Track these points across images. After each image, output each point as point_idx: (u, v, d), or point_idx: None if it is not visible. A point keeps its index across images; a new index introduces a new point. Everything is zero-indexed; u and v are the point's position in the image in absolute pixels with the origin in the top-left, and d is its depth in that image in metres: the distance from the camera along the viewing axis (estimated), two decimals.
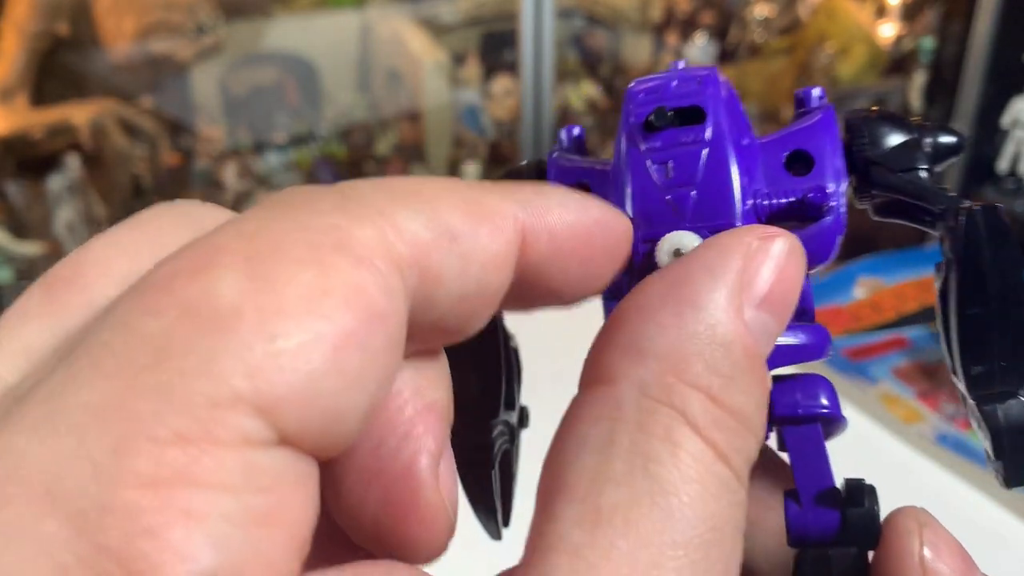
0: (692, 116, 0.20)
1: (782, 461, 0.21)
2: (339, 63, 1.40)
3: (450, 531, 0.17)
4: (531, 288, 0.17)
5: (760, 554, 0.21)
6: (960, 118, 1.16)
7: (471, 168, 1.36)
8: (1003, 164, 1.13)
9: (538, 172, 0.22)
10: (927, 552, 0.18)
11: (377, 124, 1.39)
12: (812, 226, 0.19)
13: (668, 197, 0.19)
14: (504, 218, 0.16)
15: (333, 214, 0.14)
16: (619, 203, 0.20)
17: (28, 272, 1.13)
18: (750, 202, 0.19)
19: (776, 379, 0.19)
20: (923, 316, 0.91)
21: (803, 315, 0.19)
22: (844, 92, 1.35)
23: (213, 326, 0.12)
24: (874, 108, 0.21)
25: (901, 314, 0.92)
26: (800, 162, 0.20)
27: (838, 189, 0.20)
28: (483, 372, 0.23)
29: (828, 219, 0.19)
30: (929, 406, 0.79)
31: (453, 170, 1.38)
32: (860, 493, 0.19)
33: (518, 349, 0.24)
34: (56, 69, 1.17)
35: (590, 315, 0.20)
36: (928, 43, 1.33)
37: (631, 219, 0.19)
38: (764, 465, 0.20)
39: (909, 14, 1.37)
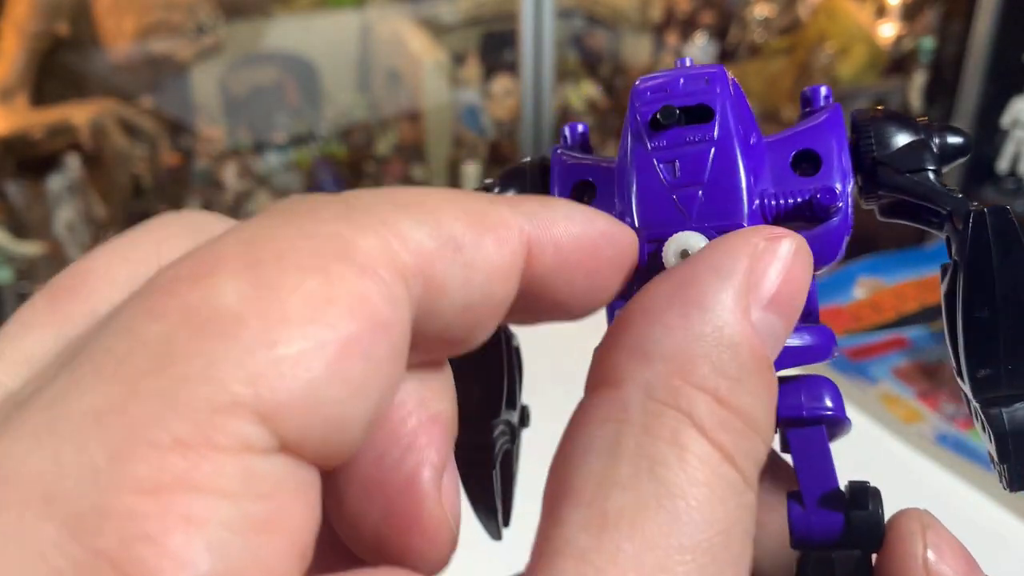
0: (699, 114, 0.19)
1: (785, 463, 0.21)
2: (339, 63, 1.40)
3: (452, 545, 0.17)
4: (537, 301, 0.17)
5: (763, 556, 0.20)
6: (960, 118, 1.16)
7: (471, 168, 1.36)
8: (1003, 164, 1.13)
9: (541, 169, 0.22)
10: (930, 554, 0.18)
11: (377, 124, 1.39)
12: (819, 227, 0.19)
13: (674, 196, 0.19)
14: (509, 229, 0.16)
15: (337, 223, 0.14)
16: (625, 201, 0.20)
17: (28, 272, 1.13)
18: (757, 202, 0.19)
19: (780, 380, 0.19)
20: (923, 316, 0.91)
21: (808, 316, 0.19)
22: (844, 92, 1.35)
23: (215, 332, 0.12)
24: (879, 108, 0.21)
25: (901, 314, 0.92)
26: (807, 162, 0.20)
27: (846, 190, 0.20)
28: (485, 371, 0.23)
29: (835, 220, 0.19)
30: (929, 406, 0.79)
31: (453, 170, 1.38)
32: (864, 496, 0.19)
33: (519, 348, 0.24)
34: (56, 69, 1.17)
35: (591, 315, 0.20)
36: (928, 43, 1.33)
37: (636, 218, 0.19)
38: (767, 467, 0.20)
39: (909, 14, 1.37)
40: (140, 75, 1.22)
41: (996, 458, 0.19)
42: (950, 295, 0.19)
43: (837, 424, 0.19)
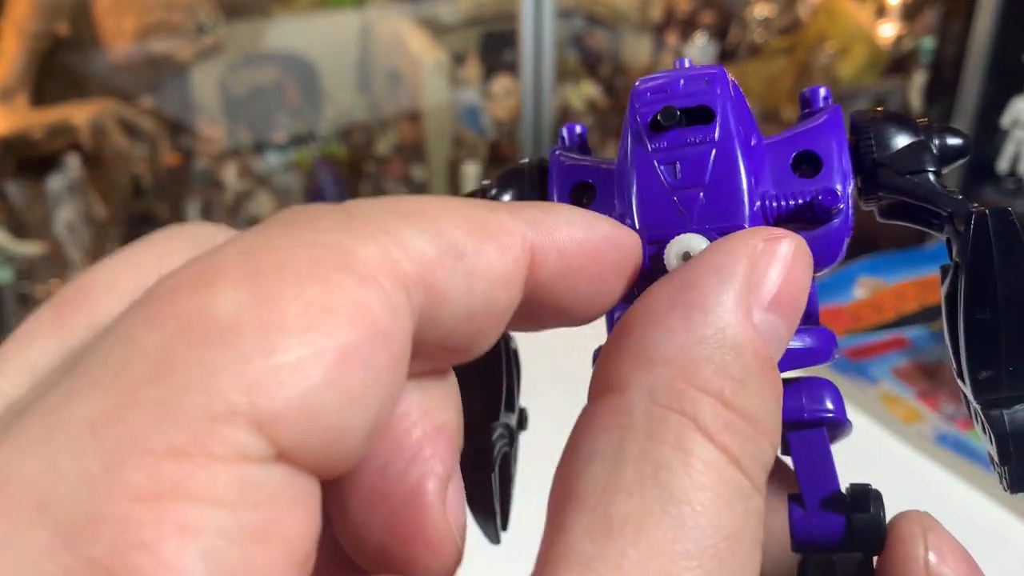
0: (700, 116, 0.19)
1: (786, 465, 0.21)
2: (339, 63, 1.40)
3: (457, 557, 0.16)
4: (541, 307, 0.17)
5: (763, 559, 0.20)
6: (960, 118, 1.16)
7: (471, 168, 1.36)
8: (1003, 164, 1.13)
9: (539, 170, 0.22)
10: (932, 557, 0.18)
11: (377, 124, 1.39)
12: (820, 228, 0.19)
13: (675, 198, 0.19)
14: (511, 236, 0.16)
15: (337, 232, 0.14)
16: (625, 203, 0.20)
17: (28, 272, 1.13)
18: (758, 204, 0.19)
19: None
20: (923, 316, 0.91)
21: (808, 318, 0.19)
22: (844, 92, 1.34)
23: (212, 340, 0.12)
24: (879, 109, 0.21)
25: (901, 314, 0.92)
26: (807, 163, 0.20)
27: (846, 191, 0.20)
28: (483, 375, 0.23)
29: (836, 221, 0.19)
30: (929, 406, 0.78)
31: (453, 170, 1.38)
32: (866, 498, 0.19)
33: (518, 351, 0.24)
34: (56, 69, 1.17)
35: (595, 320, 0.20)
36: (928, 43, 1.33)
37: (637, 219, 0.19)
38: None
39: (909, 14, 1.37)
40: (140, 75, 1.22)
41: (997, 460, 0.19)
42: (951, 296, 0.19)
43: (838, 426, 0.19)
